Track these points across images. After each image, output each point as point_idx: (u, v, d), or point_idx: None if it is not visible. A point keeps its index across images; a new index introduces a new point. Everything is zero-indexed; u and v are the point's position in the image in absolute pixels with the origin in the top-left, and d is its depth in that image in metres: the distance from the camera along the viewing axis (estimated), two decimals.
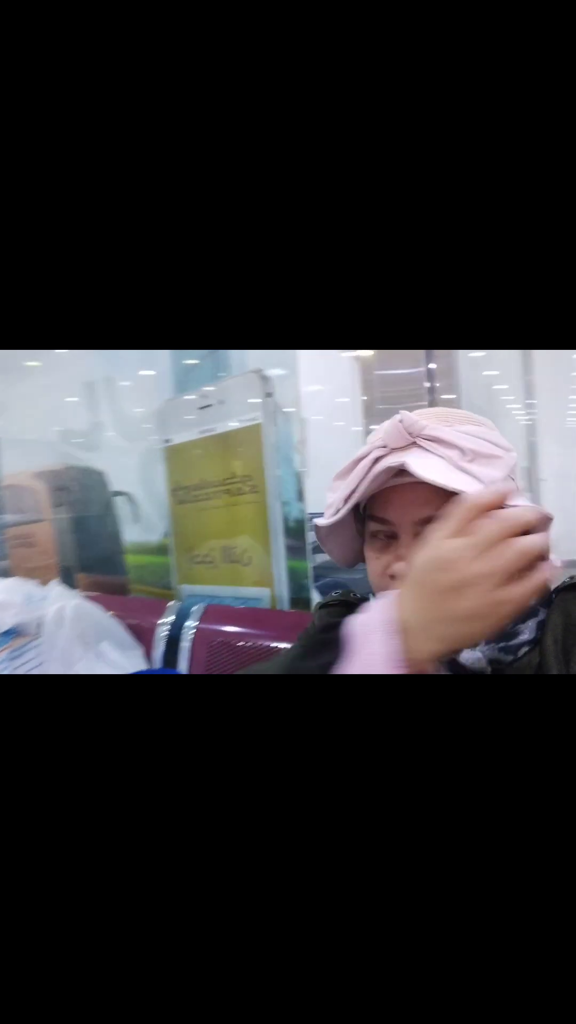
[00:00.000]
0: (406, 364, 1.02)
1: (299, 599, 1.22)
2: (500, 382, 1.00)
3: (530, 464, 1.09)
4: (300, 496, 1.19)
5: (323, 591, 1.18)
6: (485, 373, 1.01)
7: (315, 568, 1.18)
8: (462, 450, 0.45)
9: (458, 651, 0.46)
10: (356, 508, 0.51)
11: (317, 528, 0.54)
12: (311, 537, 1.18)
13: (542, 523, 0.35)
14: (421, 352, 0.96)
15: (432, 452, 0.46)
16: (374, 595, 0.55)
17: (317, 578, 1.18)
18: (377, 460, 0.47)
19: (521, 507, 0.34)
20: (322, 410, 1.13)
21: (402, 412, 0.47)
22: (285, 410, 1.18)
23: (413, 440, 0.46)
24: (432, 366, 0.98)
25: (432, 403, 1.01)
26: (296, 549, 1.21)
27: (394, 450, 0.47)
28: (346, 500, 0.49)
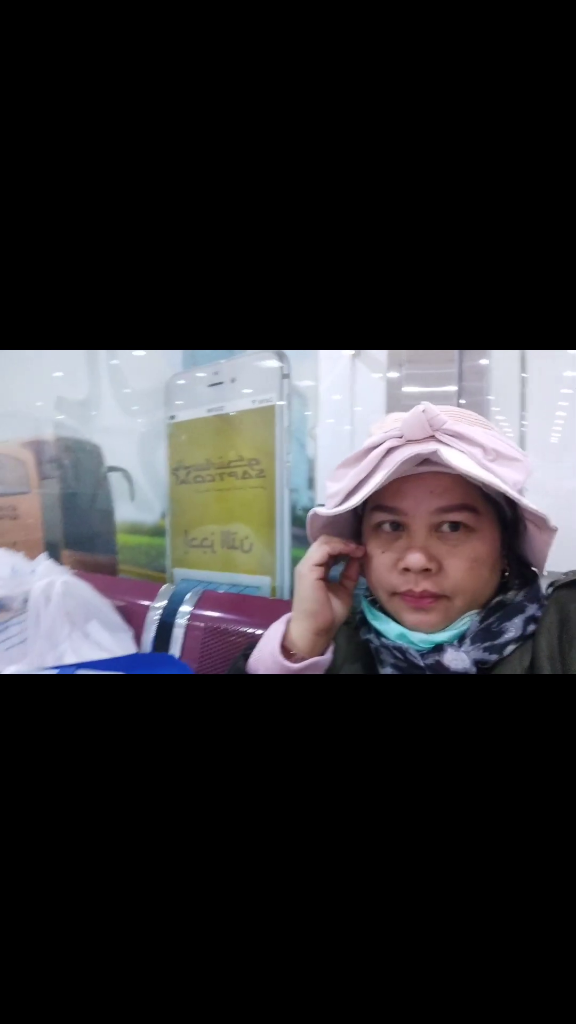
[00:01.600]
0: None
1: None
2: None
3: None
4: (311, 484, 1.15)
5: None
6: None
7: None
8: (485, 448, 0.44)
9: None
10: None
11: (314, 517, 0.52)
12: None
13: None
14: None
15: (454, 448, 0.44)
16: (371, 590, 0.54)
17: None
18: (391, 450, 0.45)
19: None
20: (342, 393, 1.10)
21: (425, 403, 0.45)
22: (302, 389, 1.14)
23: (433, 434, 0.45)
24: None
25: (460, 383, 0.98)
26: (301, 538, 1.18)
27: (411, 442, 0.45)
28: (353, 490, 0.47)
